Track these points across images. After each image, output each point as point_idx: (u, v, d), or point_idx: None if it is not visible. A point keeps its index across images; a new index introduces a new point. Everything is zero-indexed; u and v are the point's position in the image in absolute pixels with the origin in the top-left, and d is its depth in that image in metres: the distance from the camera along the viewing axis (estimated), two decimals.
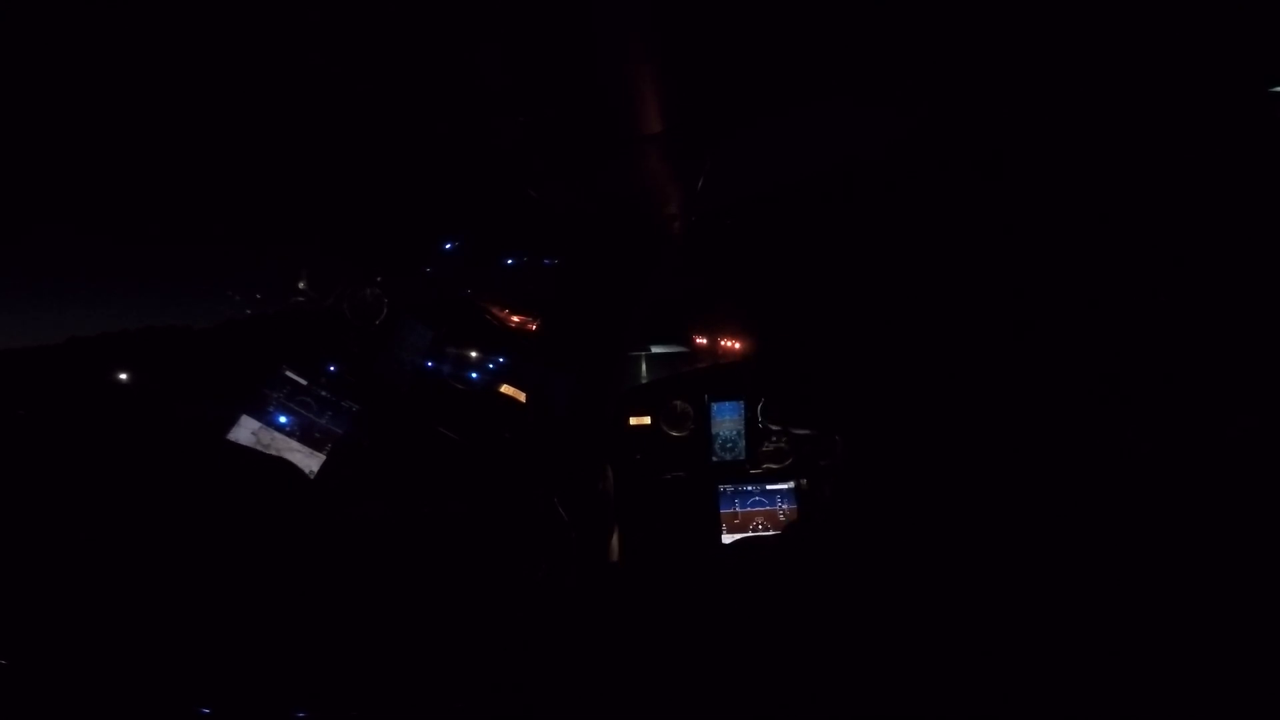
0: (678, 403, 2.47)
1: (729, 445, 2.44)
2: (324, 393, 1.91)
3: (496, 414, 2.08)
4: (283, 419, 1.87)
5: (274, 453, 1.84)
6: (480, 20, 1.08)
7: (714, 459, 2.44)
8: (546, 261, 2.41)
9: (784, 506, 2.36)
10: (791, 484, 2.37)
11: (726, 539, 2.36)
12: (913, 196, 1.06)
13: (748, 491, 2.38)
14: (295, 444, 1.87)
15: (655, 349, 3.75)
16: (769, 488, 2.38)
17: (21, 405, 1.75)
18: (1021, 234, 0.97)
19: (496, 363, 2.20)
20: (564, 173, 1.58)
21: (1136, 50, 1.24)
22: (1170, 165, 1.00)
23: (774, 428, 2.41)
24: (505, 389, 2.13)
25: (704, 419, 2.46)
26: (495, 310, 2.45)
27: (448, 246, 2.39)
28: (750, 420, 2.43)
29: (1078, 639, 0.76)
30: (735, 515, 2.37)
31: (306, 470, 1.86)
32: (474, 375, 2.16)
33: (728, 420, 2.46)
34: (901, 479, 0.95)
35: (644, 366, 4.09)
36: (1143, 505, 0.81)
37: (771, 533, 2.35)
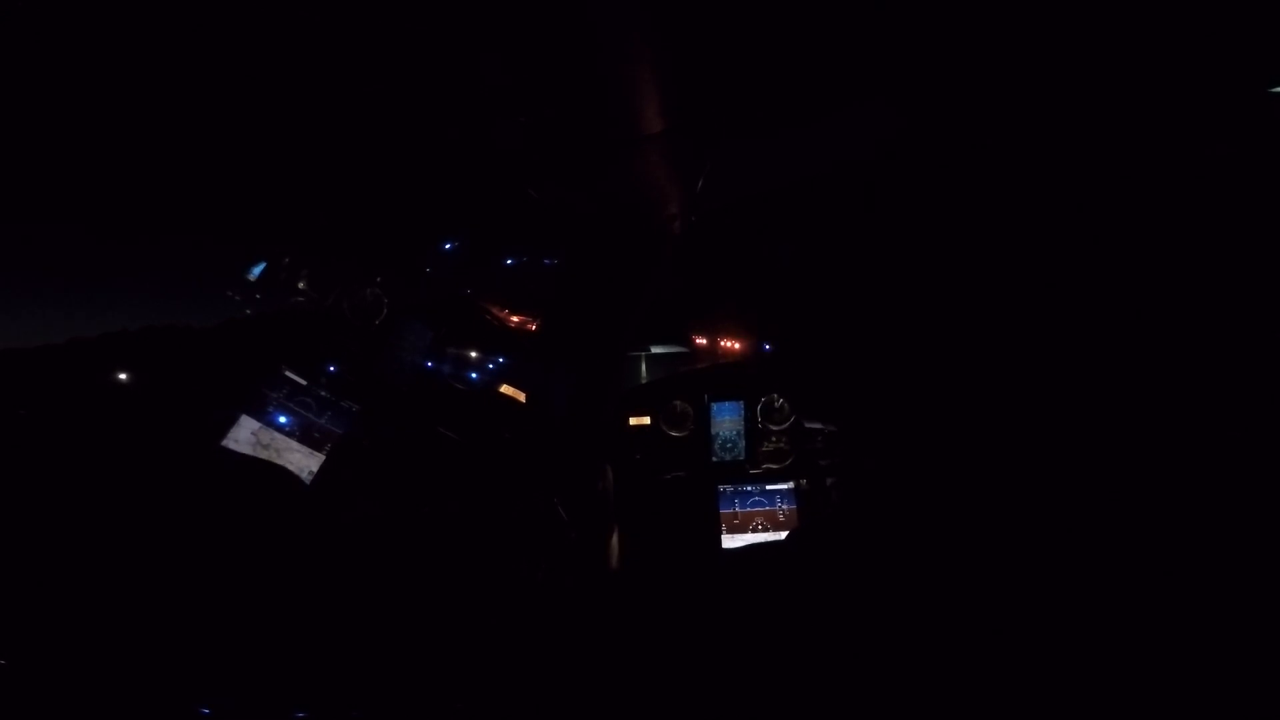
0: (678, 403, 2.48)
1: (729, 445, 2.44)
2: (324, 393, 1.91)
3: (496, 414, 2.08)
4: (282, 419, 1.88)
5: (273, 453, 1.84)
6: (481, 20, 1.08)
7: (714, 459, 2.44)
8: (546, 261, 2.41)
9: (784, 506, 2.36)
10: (791, 484, 2.37)
11: (726, 539, 2.36)
12: (914, 196, 1.06)
13: (747, 491, 2.38)
14: (295, 444, 1.87)
15: (655, 349, 3.75)
16: (769, 488, 2.38)
17: (22, 405, 1.75)
18: (1024, 234, 0.97)
19: (496, 363, 2.20)
20: (564, 173, 1.58)
21: (1137, 50, 1.24)
22: (1171, 165, 1.00)
23: (774, 427, 2.42)
24: (505, 389, 2.14)
25: (704, 419, 2.46)
26: (495, 310, 2.45)
27: (448, 246, 2.39)
28: (750, 420, 2.44)
29: (1101, 647, 0.75)
30: (735, 515, 2.37)
31: (306, 470, 1.86)
32: (474, 375, 2.17)
33: (727, 420, 2.46)
34: (906, 479, 0.94)
35: (644, 366, 4.09)
36: (1148, 498, 0.81)
37: (772, 535, 2.35)
